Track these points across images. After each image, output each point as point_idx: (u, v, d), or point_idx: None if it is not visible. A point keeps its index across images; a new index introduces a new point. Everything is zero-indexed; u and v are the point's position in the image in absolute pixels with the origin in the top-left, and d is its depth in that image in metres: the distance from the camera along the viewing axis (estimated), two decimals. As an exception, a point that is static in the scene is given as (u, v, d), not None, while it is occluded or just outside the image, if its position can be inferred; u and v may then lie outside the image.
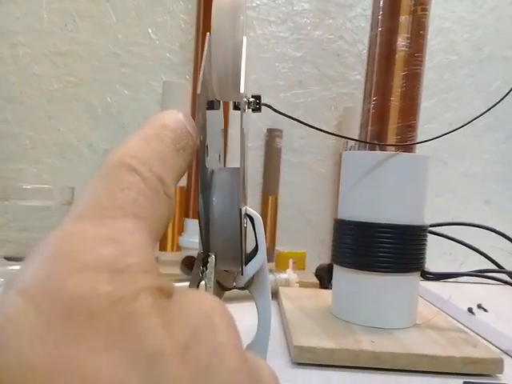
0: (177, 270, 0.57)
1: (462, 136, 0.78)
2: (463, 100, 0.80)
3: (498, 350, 0.44)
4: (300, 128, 0.79)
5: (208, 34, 0.21)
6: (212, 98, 0.23)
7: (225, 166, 0.27)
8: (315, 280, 0.62)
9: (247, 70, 0.24)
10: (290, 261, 0.63)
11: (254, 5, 0.79)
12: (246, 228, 0.24)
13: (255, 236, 0.24)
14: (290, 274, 0.58)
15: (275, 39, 0.79)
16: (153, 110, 0.78)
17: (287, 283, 0.58)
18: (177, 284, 0.48)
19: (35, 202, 0.60)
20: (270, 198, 0.77)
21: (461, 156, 0.80)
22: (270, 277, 0.57)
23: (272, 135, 0.76)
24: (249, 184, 0.82)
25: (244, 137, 0.25)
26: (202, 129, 0.20)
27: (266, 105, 0.33)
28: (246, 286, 0.24)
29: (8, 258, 0.59)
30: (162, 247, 0.69)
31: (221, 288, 0.24)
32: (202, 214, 0.20)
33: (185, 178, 0.72)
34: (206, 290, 0.20)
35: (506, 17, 0.81)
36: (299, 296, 0.53)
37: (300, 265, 0.66)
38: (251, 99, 0.27)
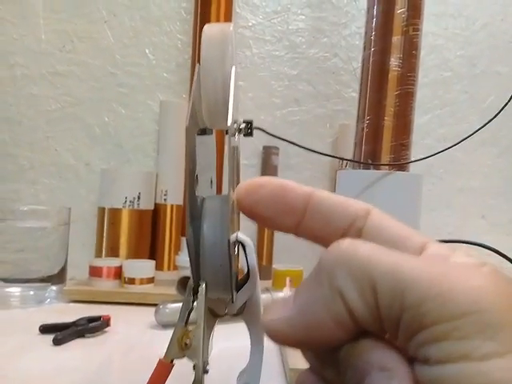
0: (173, 290, 0.57)
1: (458, 151, 0.78)
2: (458, 115, 0.81)
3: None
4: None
5: (197, 64, 0.22)
6: (202, 126, 0.24)
7: (218, 189, 0.27)
8: (313, 298, 0.61)
9: (237, 98, 0.25)
10: (287, 279, 0.63)
11: (250, 24, 0.80)
12: (237, 255, 0.24)
13: (247, 262, 0.24)
14: (286, 293, 0.58)
15: (271, 58, 0.80)
16: (150, 129, 0.78)
17: (284, 302, 0.58)
18: (172, 305, 0.47)
19: (32, 223, 0.60)
20: (267, 215, 0.77)
21: (456, 171, 0.81)
22: (267, 296, 0.57)
23: (268, 152, 0.77)
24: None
25: (234, 162, 0.25)
26: (191, 159, 0.20)
27: (258, 128, 0.33)
28: (239, 313, 0.24)
29: (4, 280, 0.59)
30: (159, 266, 0.69)
31: (213, 315, 0.24)
32: (192, 243, 0.20)
33: (182, 196, 0.72)
34: (196, 319, 0.20)
35: (499, 33, 0.82)
36: (296, 315, 0.53)
37: (297, 283, 0.66)
38: (242, 125, 0.27)
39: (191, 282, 0.21)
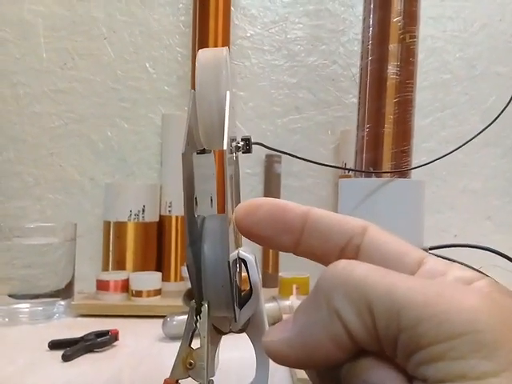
0: (180, 302, 0.58)
1: (460, 153, 0.78)
2: (459, 117, 0.81)
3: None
4: (299, 152, 0.80)
5: (192, 90, 0.22)
6: (200, 147, 0.24)
7: (219, 207, 0.27)
8: (319, 306, 0.62)
9: (233, 118, 0.25)
10: (294, 286, 0.63)
11: (248, 35, 0.80)
12: (239, 272, 0.24)
13: (249, 279, 0.24)
14: (293, 301, 0.58)
15: (270, 67, 0.80)
16: (153, 142, 0.79)
17: (291, 310, 0.58)
18: (179, 317, 0.48)
19: (39, 240, 0.61)
20: (272, 223, 0.77)
21: (460, 173, 0.81)
22: (274, 305, 0.58)
23: (271, 161, 0.77)
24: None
25: (233, 182, 0.25)
26: (189, 184, 0.21)
27: (258, 143, 0.33)
28: (243, 329, 0.25)
29: (13, 296, 0.60)
30: (165, 277, 0.70)
31: (217, 332, 0.24)
32: (192, 264, 0.21)
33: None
34: (200, 339, 0.20)
35: (497, 33, 0.82)
36: (303, 324, 0.53)
37: (304, 290, 0.66)
38: (240, 143, 0.28)
39: (193, 303, 0.21)
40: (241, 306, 0.24)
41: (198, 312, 0.21)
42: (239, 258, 0.24)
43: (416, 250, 0.19)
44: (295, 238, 0.20)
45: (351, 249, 0.20)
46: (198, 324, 0.21)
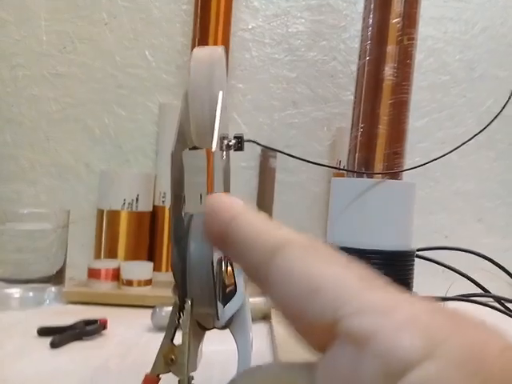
0: (169, 292, 0.58)
1: (454, 155, 0.78)
2: (455, 119, 0.81)
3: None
4: (294, 148, 0.80)
5: (185, 90, 0.22)
6: (191, 145, 0.24)
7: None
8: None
9: (226, 117, 0.25)
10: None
11: (250, 27, 0.80)
12: (226, 268, 0.24)
13: (233, 277, 0.25)
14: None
15: (270, 60, 0.80)
16: (149, 131, 0.79)
17: (279, 305, 0.58)
18: (168, 308, 0.48)
19: (32, 226, 0.61)
20: (265, 217, 0.77)
21: (453, 174, 0.81)
22: (263, 299, 0.58)
23: (266, 155, 0.77)
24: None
25: (223, 178, 0.26)
26: (177, 180, 0.21)
27: (250, 141, 0.33)
28: (227, 325, 0.25)
29: (4, 280, 0.60)
30: (157, 267, 0.70)
31: (201, 328, 0.24)
32: (177, 262, 0.21)
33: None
34: (182, 336, 0.21)
35: (498, 36, 0.82)
36: (290, 319, 0.54)
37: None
38: (232, 141, 0.28)
39: (177, 299, 0.21)
40: (225, 303, 0.24)
41: (181, 309, 0.21)
42: (225, 256, 0.25)
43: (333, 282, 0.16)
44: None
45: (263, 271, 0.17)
46: (180, 320, 0.21)
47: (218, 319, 0.22)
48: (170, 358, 0.21)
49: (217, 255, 0.23)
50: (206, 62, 0.22)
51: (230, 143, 0.27)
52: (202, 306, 0.22)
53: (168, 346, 0.21)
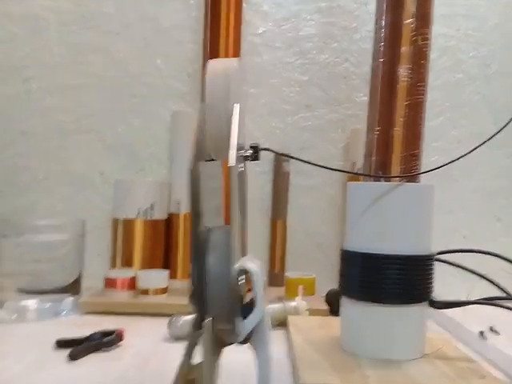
0: (186, 300, 0.58)
1: (472, 153, 0.77)
2: (471, 117, 0.80)
3: (510, 380, 0.43)
4: (308, 150, 0.80)
5: (202, 103, 0.22)
6: (209, 158, 0.24)
7: (226, 217, 0.27)
8: (325, 307, 0.62)
9: (242, 128, 0.25)
10: (300, 287, 0.63)
11: (260, 31, 0.80)
12: (244, 283, 0.24)
13: (253, 291, 0.24)
14: (299, 302, 0.58)
15: (282, 64, 0.80)
16: (163, 139, 0.79)
17: (296, 311, 0.58)
18: (184, 318, 0.48)
19: (48, 237, 0.61)
20: (279, 222, 0.77)
21: (471, 173, 0.80)
22: (279, 306, 0.58)
23: (280, 159, 0.77)
24: (257, 209, 0.82)
25: (240, 193, 0.25)
26: (195, 197, 0.20)
27: (265, 149, 0.33)
28: (247, 340, 0.25)
29: (22, 290, 0.60)
30: (172, 275, 0.70)
31: (220, 344, 0.24)
32: (196, 279, 0.20)
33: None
34: (202, 355, 0.20)
35: (511, 33, 0.81)
36: (308, 326, 0.53)
37: (310, 290, 0.66)
38: (248, 152, 0.27)
39: (196, 317, 0.21)
40: (244, 317, 0.24)
41: (201, 326, 0.21)
42: (244, 268, 0.24)
43: None
44: None
45: None
46: (200, 338, 0.21)
47: (237, 335, 0.22)
48: (189, 380, 0.20)
49: (235, 268, 0.23)
50: (221, 75, 0.22)
51: (247, 154, 0.27)
52: (222, 322, 0.22)
53: (187, 366, 0.21)
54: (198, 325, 0.21)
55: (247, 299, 0.25)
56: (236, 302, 0.21)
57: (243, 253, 0.26)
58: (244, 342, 0.24)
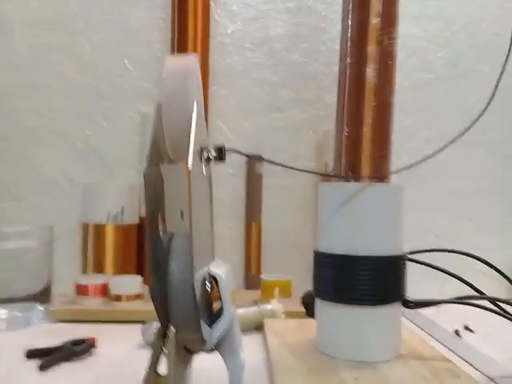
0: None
1: (442, 153, 0.78)
2: (441, 117, 0.81)
3: (485, 378, 0.43)
4: (281, 152, 0.79)
5: (157, 102, 0.21)
6: (168, 159, 0.23)
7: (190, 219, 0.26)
8: (301, 309, 0.61)
9: (203, 127, 0.24)
10: (276, 289, 0.63)
11: (229, 31, 0.79)
12: (210, 291, 0.23)
13: (220, 296, 0.24)
14: (275, 305, 0.58)
15: (252, 65, 0.79)
16: (133, 141, 0.78)
17: (273, 314, 0.57)
18: (157, 323, 0.46)
19: (15, 244, 0.60)
20: (254, 224, 0.76)
21: (443, 173, 0.81)
22: (255, 309, 0.57)
23: (252, 161, 0.76)
24: (231, 212, 0.82)
25: (204, 192, 0.25)
26: (152, 202, 0.20)
27: (233, 150, 0.32)
28: (216, 348, 0.24)
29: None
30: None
31: (188, 352, 0.23)
32: (157, 289, 0.20)
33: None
34: (167, 366, 0.20)
35: (479, 32, 0.82)
36: (284, 329, 0.53)
37: (286, 293, 0.65)
38: (212, 153, 0.27)
39: (159, 326, 0.20)
40: (212, 324, 0.23)
41: (165, 336, 0.20)
42: (210, 274, 0.24)
43: None
44: None
45: None
46: (164, 348, 0.20)
47: (204, 343, 0.21)
48: (156, 391, 0.20)
49: (201, 274, 0.22)
50: (179, 72, 0.21)
51: (211, 155, 0.26)
52: (187, 331, 0.21)
53: (152, 377, 0.20)
54: (161, 334, 0.20)
55: (216, 306, 0.24)
56: (201, 310, 0.21)
57: (211, 258, 0.26)
58: (213, 349, 0.24)
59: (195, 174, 0.22)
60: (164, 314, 0.20)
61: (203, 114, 0.24)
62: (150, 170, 0.20)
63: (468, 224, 0.82)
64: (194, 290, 0.20)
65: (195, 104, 0.21)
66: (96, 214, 0.68)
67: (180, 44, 0.73)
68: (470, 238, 0.81)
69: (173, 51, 0.75)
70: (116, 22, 0.78)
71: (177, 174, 0.25)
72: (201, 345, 0.23)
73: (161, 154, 0.22)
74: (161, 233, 0.21)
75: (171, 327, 0.20)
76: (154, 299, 0.20)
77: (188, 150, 0.22)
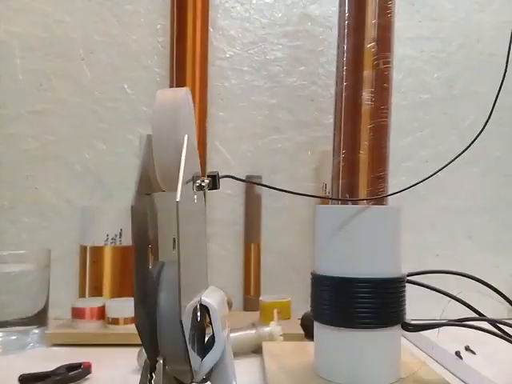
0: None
1: (440, 172, 0.78)
2: (438, 137, 0.81)
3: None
4: (279, 173, 0.80)
5: (147, 134, 0.21)
6: (158, 190, 0.23)
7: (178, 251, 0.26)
8: (300, 331, 0.61)
9: (195, 156, 0.24)
10: (275, 311, 0.62)
11: (228, 55, 0.80)
12: (201, 321, 0.23)
13: (211, 326, 0.23)
14: (273, 328, 0.57)
15: (250, 88, 0.80)
16: (131, 164, 0.78)
17: (271, 337, 0.57)
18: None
19: (12, 268, 0.59)
20: (252, 245, 0.76)
21: (439, 192, 0.81)
22: (253, 332, 0.57)
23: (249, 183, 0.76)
24: (230, 233, 0.82)
25: (197, 224, 0.24)
26: (139, 234, 0.20)
27: (227, 176, 0.32)
28: (207, 378, 0.24)
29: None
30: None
31: (179, 383, 0.23)
32: (145, 321, 0.20)
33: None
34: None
35: (475, 53, 0.83)
36: (283, 352, 0.52)
37: (285, 314, 0.65)
38: (206, 181, 0.27)
39: (147, 359, 0.20)
40: (203, 355, 0.23)
41: (153, 369, 0.20)
42: (201, 304, 0.23)
43: None
44: None
45: None
46: (153, 381, 0.20)
47: (193, 374, 0.21)
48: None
49: (192, 304, 0.22)
50: (169, 105, 0.21)
51: (203, 183, 0.26)
52: (177, 362, 0.21)
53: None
54: (149, 367, 0.20)
55: (208, 334, 0.24)
56: (192, 340, 0.20)
57: (205, 285, 0.26)
58: (204, 380, 0.24)
59: (187, 204, 0.22)
60: (152, 346, 0.20)
61: (196, 145, 0.24)
62: (139, 200, 0.20)
63: (468, 242, 0.81)
64: (181, 322, 0.20)
65: (186, 137, 0.21)
66: (94, 237, 0.68)
67: (179, 68, 0.73)
68: (469, 256, 0.80)
69: (172, 75, 0.76)
70: (115, 47, 0.78)
71: (168, 203, 0.25)
72: (191, 376, 0.23)
73: (151, 184, 0.22)
74: (150, 263, 0.21)
75: (159, 358, 0.20)
76: (140, 332, 0.20)
77: (177, 183, 0.23)
